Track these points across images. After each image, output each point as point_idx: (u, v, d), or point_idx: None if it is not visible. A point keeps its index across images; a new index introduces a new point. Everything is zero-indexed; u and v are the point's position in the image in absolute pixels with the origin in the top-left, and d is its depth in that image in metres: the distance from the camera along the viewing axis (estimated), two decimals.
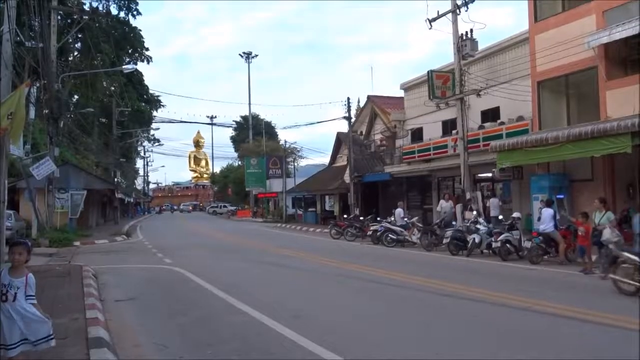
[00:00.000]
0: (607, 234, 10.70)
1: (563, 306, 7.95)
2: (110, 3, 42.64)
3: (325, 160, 45.04)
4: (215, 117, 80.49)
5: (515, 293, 9.12)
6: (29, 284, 4.61)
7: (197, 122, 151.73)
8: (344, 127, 35.78)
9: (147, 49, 48.14)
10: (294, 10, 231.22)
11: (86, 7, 33.47)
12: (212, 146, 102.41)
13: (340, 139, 38.57)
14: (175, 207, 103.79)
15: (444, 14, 19.94)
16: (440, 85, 21.52)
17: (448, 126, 24.48)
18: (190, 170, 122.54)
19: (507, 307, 8.11)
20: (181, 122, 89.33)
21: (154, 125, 59.44)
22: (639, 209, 15.56)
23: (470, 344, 6.18)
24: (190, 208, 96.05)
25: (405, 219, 20.38)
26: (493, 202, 20.13)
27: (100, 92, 43.15)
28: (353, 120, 33.89)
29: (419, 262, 14.95)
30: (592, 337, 6.44)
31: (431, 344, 6.19)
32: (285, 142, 52.10)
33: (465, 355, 5.75)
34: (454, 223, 18.38)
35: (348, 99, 32.83)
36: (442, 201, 21.24)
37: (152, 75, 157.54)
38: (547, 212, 13.67)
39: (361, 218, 24.73)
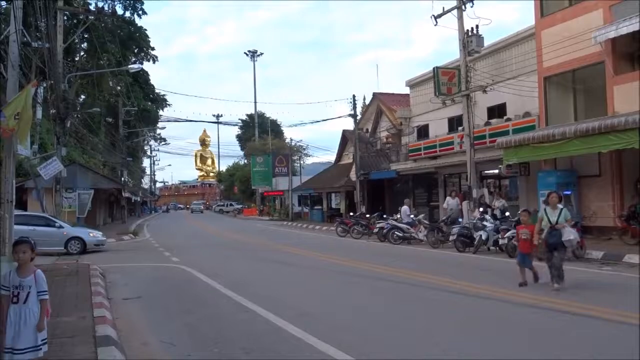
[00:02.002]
0: (570, 234, 9.15)
1: (573, 303, 7.91)
2: (116, 3, 42.85)
3: (331, 158, 45.03)
4: (221, 115, 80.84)
5: (523, 290, 9.08)
6: (39, 281, 4.58)
7: (203, 120, 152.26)
8: (349, 124, 35.80)
9: (152, 49, 48.41)
10: (298, 8, 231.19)
11: (92, 7, 33.56)
12: (218, 145, 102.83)
13: (346, 137, 38.53)
14: (181, 206, 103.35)
15: (450, 10, 19.85)
16: (446, 81, 21.45)
17: (454, 123, 24.41)
18: (197, 168, 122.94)
19: (515, 304, 8.08)
20: (187, 121, 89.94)
21: (160, 125, 59.76)
22: None
23: (477, 341, 6.16)
24: (202, 207, 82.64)
25: (412, 217, 20.35)
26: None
27: (107, 92, 43.36)
28: (359, 117, 33.84)
29: (426, 259, 14.92)
30: (600, 334, 6.40)
31: (437, 342, 6.17)
32: (291, 140, 52.20)
33: (472, 353, 5.73)
34: (460, 220, 18.34)
35: (354, 96, 32.81)
36: (448, 198, 21.16)
37: (158, 75, 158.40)
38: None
39: (367, 216, 24.70)
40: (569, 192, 16.86)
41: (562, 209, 9.28)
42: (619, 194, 16.48)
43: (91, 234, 19.30)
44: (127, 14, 43.89)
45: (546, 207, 9.58)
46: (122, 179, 44.67)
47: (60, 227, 18.31)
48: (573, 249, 9.51)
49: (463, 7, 19.43)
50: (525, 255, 9.58)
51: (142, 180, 76.59)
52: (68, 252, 17.73)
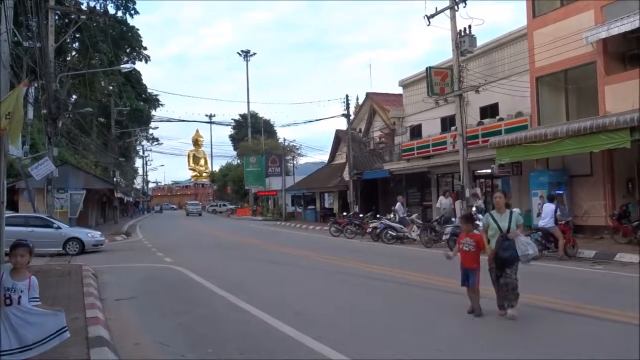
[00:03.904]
0: (528, 246, 7.20)
1: (567, 302, 7.96)
2: (108, 2, 42.69)
3: (325, 157, 45.10)
4: (214, 115, 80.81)
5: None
6: (33, 287, 4.55)
7: (195, 120, 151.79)
8: (342, 124, 35.84)
9: (145, 48, 48.33)
10: (293, 9, 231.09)
11: (83, 7, 33.37)
12: (211, 145, 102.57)
13: (339, 137, 38.55)
14: (174, 206, 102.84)
15: (443, 10, 19.90)
16: (438, 81, 21.53)
17: (447, 123, 24.49)
18: (190, 169, 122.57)
19: None
20: (180, 120, 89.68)
21: (152, 125, 59.52)
22: (638, 204, 15.65)
23: (473, 341, 6.18)
24: (201, 208, 70.65)
25: (406, 213, 20.53)
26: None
27: (99, 92, 43.16)
28: (352, 117, 33.87)
29: (419, 258, 14.95)
30: (594, 332, 6.43)
31: (432, 341, 6.17)
32: (284, 140, 52.19)
33: (467, 352, 5.75)
34: (453, 219, 18.38)
35: (347, 96, 32.80)
36: (441, 197, 21.25)
37: (151, 75, 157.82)
38: (549, 207, 13.61)
39: (361, 215, 24.74)
40: (561, 192, 16.99)
41: (511, 212, 7.36)
42: (611, 193, 16.60)
43: (89, 234, 19.27)
44: (119, 13, 43.81)
45: (492, 211, 7.59)
46: (115, 179, 44.42)
47: (59, 228, 18.27)
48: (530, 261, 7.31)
49: (456, 7, 19.49)
50: (468, 271, 7.32)
51: (135, 180, 76.26)
52: (67, 253, 17.68)
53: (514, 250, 7.08)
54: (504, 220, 7.24)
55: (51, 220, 18.68)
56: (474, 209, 17.72)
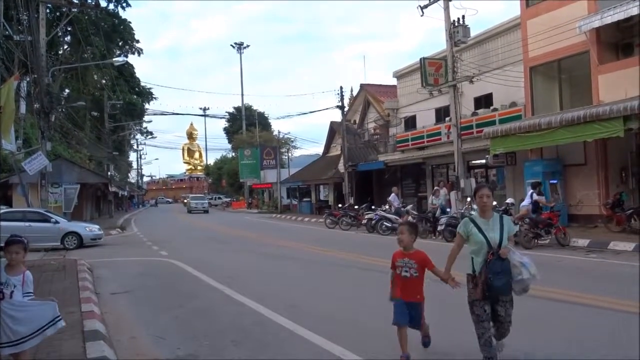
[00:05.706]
0: (527, 267, 4.82)
1: (562, 291, 8.00)
2: None
3: (319, 150, 45.05)
4: (208, 108, 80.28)
5: None
6: (27, 282, 4.51)
7: (190, 114, 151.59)
8: (337, 116, 35.78)
9: (137, 41, 48.07)
10: (285, 1, 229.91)
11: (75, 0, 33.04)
12: (206, 138, 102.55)
13: (333, 129, 38.51)
14: (169, 200, 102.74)
15: (436, 0, 19.84)
16: (432, 72, 21.48)
17: (441, 113, 24.51)
18: (184, 162, 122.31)
19: None
20: (174, 114, 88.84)
21: (146, 118, 59.23)
22: (631, 193, 15.75)
23: (464, 330, 6.20)
24: (207, 205, 53.55)
25: (400, 206, 20.56)
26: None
27: (91, 86, 42.95)
28: (346, 109, 33.82)
29: None
30: (588, 321, 6.46)
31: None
32: (279, 132, 52.10)
33: (459, 343, 5.77)
34: (448, 210, 18.45)
35: (341, 87, 32.81)
36: (436, 188, 21.30)
37: (144, 68, 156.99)
38: (528, 194, 14.39)
39: (356, 207, 24.77)
40: (555, 181, 17.07)
41: (502, 217, 4.99)
42: (604, 182, 16.68)
43: (87, 229, 19.18)
44: (111, 6, 43.44)
45: (473, 212, 4.89)
46: (109, 173, 44.30)
47: (56, 222, 18.17)
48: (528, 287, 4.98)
49: None
50: (411, 305, 5.29)
51: (129, 174, 76.05)
52: (65, 248, 17.61)
53: (508, 275, 4.78)
54: (492, 229, 4.85)
55: (49, 214, 18.58)
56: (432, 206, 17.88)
